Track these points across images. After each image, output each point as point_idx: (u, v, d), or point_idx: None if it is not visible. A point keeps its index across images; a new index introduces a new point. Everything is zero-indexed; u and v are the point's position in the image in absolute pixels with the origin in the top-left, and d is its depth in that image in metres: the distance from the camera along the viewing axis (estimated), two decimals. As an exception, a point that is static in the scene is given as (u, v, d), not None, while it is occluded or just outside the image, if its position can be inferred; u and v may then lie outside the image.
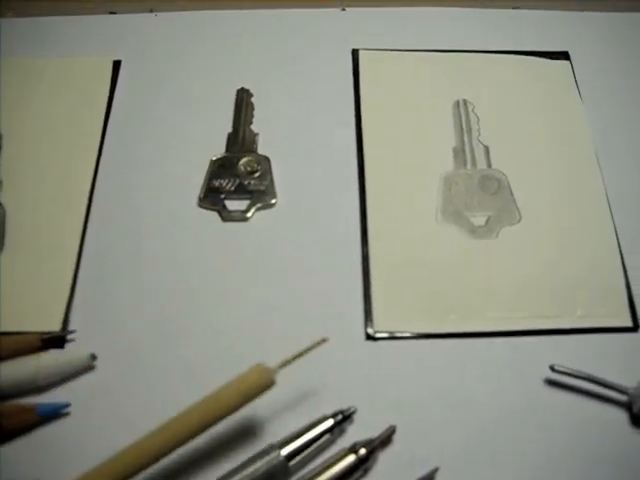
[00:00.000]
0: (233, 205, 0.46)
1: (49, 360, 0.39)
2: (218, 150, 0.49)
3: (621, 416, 0.39)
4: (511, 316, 0.42)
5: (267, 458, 0.36)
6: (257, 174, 0.48)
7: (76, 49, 0.54)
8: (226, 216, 0.46)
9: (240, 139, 0.49)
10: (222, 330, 0.42)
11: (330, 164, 0.48)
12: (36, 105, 0.51)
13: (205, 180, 0.47)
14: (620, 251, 0.45)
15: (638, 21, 0.57)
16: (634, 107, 0.52)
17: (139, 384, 0.40)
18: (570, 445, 0.38)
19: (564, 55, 0.54)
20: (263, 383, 0.36)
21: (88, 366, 0.40)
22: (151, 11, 0.57)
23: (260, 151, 0.49)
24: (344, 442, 0.37)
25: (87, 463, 0.36)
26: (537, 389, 0.40)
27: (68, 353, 0.40)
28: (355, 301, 0.43)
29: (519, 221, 0.46)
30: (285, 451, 0.36)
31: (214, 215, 0.46)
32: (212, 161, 0.48)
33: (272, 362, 0.38)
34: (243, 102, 0.51)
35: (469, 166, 0.48)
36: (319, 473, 0.36)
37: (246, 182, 0.47)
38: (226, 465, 0.36)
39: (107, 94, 0.51)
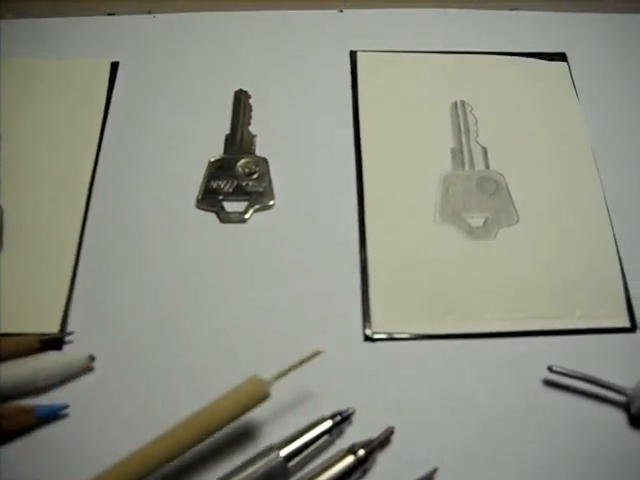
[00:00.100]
0: (231, 206, 0.46)
1: (48, 361, 0.39)
2: (216, 151, 0.49)
3: (619, 416, 0.39)
4: (509, 317, 0.42)
5: (266, 459, 0.36)
6: (255, 175, 0.48)
7: (75, 50, 0.54)
8: (224, 217, 0.46)
9: (238, 140, 0.49)
10: (221, 331, 0.42)
11: (328, 165, 0.48)
12: (35, 106, 0.51)
13: (203, 181, 0.47)
14: (618, 252, 0.45)
15: (635, 22, 0.57)
16: (631, 108, 0.52)
17: (138, 385, 0.40)
18: (569, 445, 0.38)
19: (561, 56, 0.54)
20: (258, 396, 0.37)
21: (87, 367, 0.40)
22: (149, 12, 0.57)
23: (258, 152, 0.49)
24: (343, 443, 0.38)
25: (86, 464, 0.36)
26: (535, 390, 0.40)
27: (67, 354, 0.40)
28: (353, 302, 0.43)
29: (517, 222, 0.46)
30: (284, 452, 0.36)
31: (212, 216, 0.46)
32: (210, 162, 0.48)
33: (270, 364, 0.38)
34: (241, 103, 0.51)
35: (467, 167, 0.48)
36: (318, 474, 0.36)
37: (244, 183, 0.47)
38: (225, 466, 0.36)
39: (105, 95, 0.51)
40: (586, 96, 0.52)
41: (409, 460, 0.38)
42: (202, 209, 0.46)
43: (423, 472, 0.37)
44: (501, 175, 0.48)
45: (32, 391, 0.39)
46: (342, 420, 0.38)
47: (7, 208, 0.46)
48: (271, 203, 0.47)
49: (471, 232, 0.45)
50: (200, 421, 0.36)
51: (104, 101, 0.51)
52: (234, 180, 0.47)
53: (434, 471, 0.37)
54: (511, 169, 0.48)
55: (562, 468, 0.38)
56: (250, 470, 0.35)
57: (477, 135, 0.49)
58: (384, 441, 0.38)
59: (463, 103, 0.51)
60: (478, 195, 0.47)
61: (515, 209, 0.46)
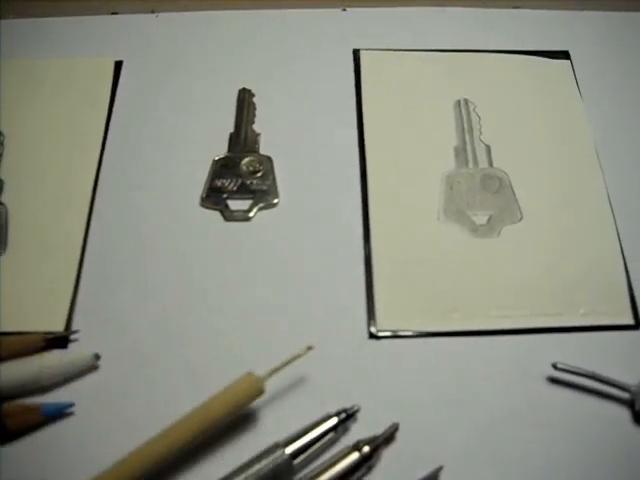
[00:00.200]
0: (235, 205, 0.47)
1: (53, 360, 0.39)
2: (220, 150, 0.49)
3: (623, 414, 0.39)
4: (513, 314, 0.42)
5: (272, 456, 0.36)
6: (259, 174, 0.48)
7: (78, 50, 0.54)
8: (228, 216, 0.46)
9: (242, 139, 0.49)
10: (225, 330, 0.42)
11: (332, 164, 0.48)
12: (38, 105, 0.51)
13: (207, 180, 0.47)
14: (621, 249, 0.45)
15: (637, 20, 0.57)
16: (634, 105, 0.52)
17: (143, 384, 0.40)
18: (572, 442, 0.38)
19: (564, 54, 0.54)
20: (252, 392, 0.37)
21: (92, 366, 0.40)
22: (152, 12, 0.57)
23: (262, 151, 0.49)
24: (348, 440, 0.38)
25: (91, 462, 0.36)
26: (539, 387, 0.40)
27: (72, 353, 0.40)
28: (358, 300, 0.43)
29: (521, 220, 0.46)
30: (290, 449, 0.36)
31: (216, 215, 0.46)
32: (214, 161, 0.48)
33: (275, 362, 0.38)
34: (245, 102, 0.51)
35: (471, 165, 0.48)
36: (323, 471, 0.36)
37: (248, 182, 0.47)
38: (231, 464, 0.36)
39: (109, 94, 0.51)
40: (589, 94, 0.52)
41: (413, 457, 0.38)
42: (206, 207, 0.46)
43: (427, 469, 0.37)
44: (505, 173, 0.48)
45: (37, 389, 0.39)
46: (347, 417, 0.38)
47: (11, 207, 0.46)
48: (275, 201, 0.47)
49: (475, 230, 0.45)
50: (195, 419, 0.36)
51: (108, 100, 0.51)
52: (238, 178, 0.47)
53: (439, 469, 0.37)
54: (514, 167, 0.48)
55: (566, 465, 0.38)
56: (256, 467, 0.35)
57: (480, 133, 0.49)
58: (389, 437, 0.38)
59: (466, 101, 0.51)
60: (482, 193, 0.47)
61: (519, 207, 0.46)
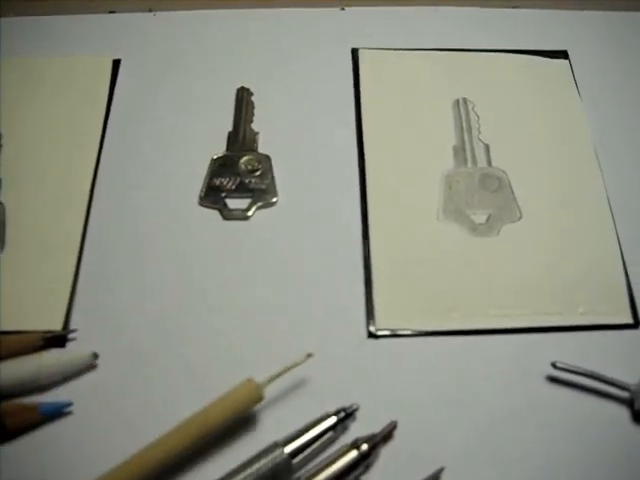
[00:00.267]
0: (234, 204, 0.46)
1: (51, 359, 0.39)
2: (219, 149, 0.49)
3: (623, 413, 0.39)
4: (513, 313, 0.42)
5: (271, 456, 0.36)
6: (258, 173, 0.48)
7: (75, 48, 0.54)
8: (227, 215, 0.46)
9: (241, 138, 0.49)
10: (223, 329, 0.42)
11: (331, 163, 0.48)
12: (36, 104, 0.51)
13: (206, 179, 0.47)
14: (620, 248, 0.45)
15: (636, 20, 0.57)
16: (633, 105, 0.52)
17: (141, 383, 0.40)
18: (572, 442, 0.38)
19: (563, 54, 0.54)
20: (252, 399, 0.37)
21: (90, 365, 0.40)
22: (150, 10, 0.57)
23: (261, 150, 0.49)
24: (347, 439, 0.37)
25: (90, 461, 0.37)
26: (539, 386, 0.40)
27: (70, 352, 0.40)
28: (357, 299, 0.43)
29: (520, 219, 0.46)
30: (289, 449, 0.36)
31: (215, 214, 0.46)
32: (213, 160, 0.48)
33: (274, 362, 0.38)
34: (243, 101, 0.51)
35: (469, 164, 0.48)
36: (321, 469, 0.36)
37: (247, 181, 0.47)
38: (229, 463, 0.36)
39: (107, 93, 0.51)
40: (588, 93, 0.52)
41: (412, 457, 0.38)
42: (205, 206, 0.46)
43: (426, 468, 0.37)
44: (503, 172, 0.48)
45: (35, 388, 0.39)
46: (346, 416, 0.38)
47: (9, 205, 0.46)
48: (274, 200, 0.47)
49: (474, 229, 0.45)
50: (194, 425, 0.36)
51: (106, 98, 0.51)
52: (237, 177, 0.47)
53: (441, 470, 0.37)
54: (513, 166, 0.48)
55: (565, 464, 0.38)
56: (255, 467, 0.35)
57: (479, 132, 0.49)
58: (387, 435, 0.38)
59: (465, 100, 0.51)
60: (481, 192, 0.47)
61: (518, 206, 0.46)
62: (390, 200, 0.46)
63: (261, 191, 0.47)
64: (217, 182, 0.47)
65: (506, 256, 0.44)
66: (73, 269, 0.43)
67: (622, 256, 0.45)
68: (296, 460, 0.36)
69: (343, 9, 0.57)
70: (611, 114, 0.51)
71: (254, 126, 0.50)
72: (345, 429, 0.38)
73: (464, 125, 0.50)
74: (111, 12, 0.56)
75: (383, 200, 0.46)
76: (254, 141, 0.49)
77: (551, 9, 0.57)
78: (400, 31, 0.55)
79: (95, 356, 0.40)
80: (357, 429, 0.38)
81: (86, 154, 0.48)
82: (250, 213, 0.46)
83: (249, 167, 0.48)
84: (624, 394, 0.39)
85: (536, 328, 0.42)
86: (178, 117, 0.50)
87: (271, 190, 0.47)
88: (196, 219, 0.46)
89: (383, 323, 0.42)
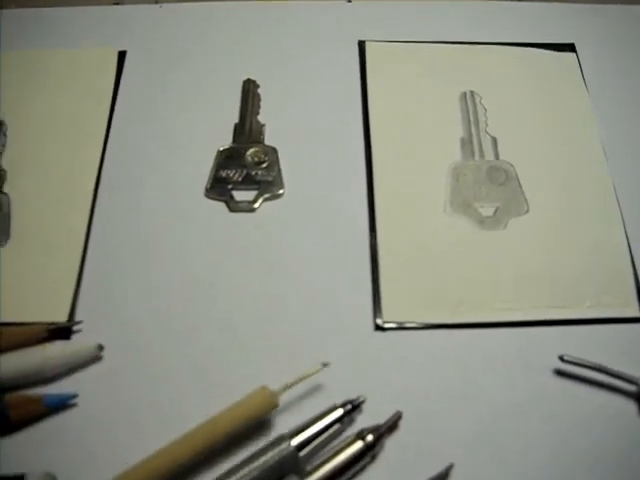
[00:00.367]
0: (240, 196, 0.46)
1: (56, 351, 0.39)
2: (225, 141, 0.49)
3: (630, 406, 0.39)
4: (519, 307, 0.42)
5: (278, 449, 0.35)
6: (264, 165, 0.47)
7: (80, 40, 0.54)
8: (233, 206, 0.46)
9: (247, 130, 0.49)
10: (229, 321, 0.42)
11: (338, 155, 0.48)
12: (41, 96, 0.50)
13: (212, 171, 0.47)
14: (628, 242, 0.45)
15: (643, 13, 0.57)
16: (640, 98, 0.52)
17: (146, 375, 0.40)
18: (579, 435, 0.38)
19: (570, 47, 0.54)
20: (266, 407, 0.37)
21: (95, 357, 0.40)
22: (156, 2, 0.56)
23: (267, 142, 0.49)
24: (353, 432, 0.37)
25: (94, 454, 0.37)
26: (546, 379, 0.40)
27: (75, 344, 0.40)
28: (364, 292, 0.43)
29: (527, 212, 0.46)
30: (295, 441, 0.36)
31: (221, 206, 0.46)
32: (219, 152, 0.48)
33: (281, 354, 0.39)
34: (249, 93, 0.51)
35: (477, 157, 0.48)
36: (327, 460, 0.36)
37: (253, 173, 0.47)
38: (237, 456, 0.36)
39: (112, 85, 0.51)
40: (595, 86, 0.52)
41: (418, 449, 0.38)
42: (211, 198, 0.46)
43: (432, 460, 0.37)
44: (511, 165, 0.47)
45: (40, 380, 0.39)
46: (353, 409, 0.38)
47: (14, 197, 0.46)
48: (280, 192, 0.46)
49: (481, 222, 0.45)
50: (208, 432, 0.36)
51: (111, 90, 0.51)
52: (243, 169, 0.47)
53: (450, 467, 0.37)
54: (521, 159, 0.48)
55: (572, 457, 0.38)
56: (262, 459, 0.35)
57: (487, 125, 0.49)
58: (392, 426, 0.38)
59: (472, 93, 0.51)
60: (488, 185, 0.47)
61: (525, 199, 0.46)
62: (397, 192, 0.46)
63: (267, 183, 0.47)
64: (223, 174, 0.47)
65: (513, 249, 0.44)
66: (79, 260, 0.43)
67: (630, 250, 0.44)
68: (303, 453, 0.36)
69: (350, 1, 0.57)
70: (618, 107, 0.51)
71: (260, 118, 0.50)
72: (352, 421, 0.38)
73: (471, 118, 0.50)
74: (116, 3, 0.56)
75: (390, 192, 0.46)
76: (260, 133, 0.49)
77: (558, 2, 0.57)
78: (407, 24, 0.55)
79: (100, 348, 0.40)
80: (364, 421, 0.38)
81: (92, 146, 0.48)
82: (256, 205, 0.46)
83: (255, 159, 0.47)
84: (631, 388, 0.39)
85: (543, 321, 0.42)
86: (184, 109, 0.50)
87: (277, 182, 0.47)
88: (202, 211, 0.45)
89: (390, 316, 0.42)
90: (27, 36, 0.54)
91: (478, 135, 0.49)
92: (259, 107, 0.50)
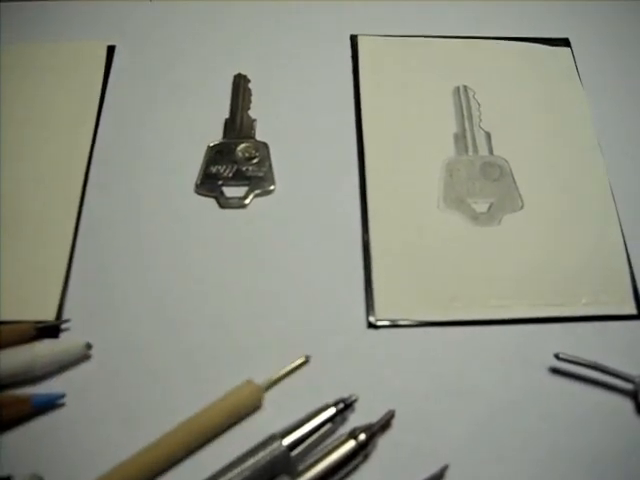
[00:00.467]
0: (231, 192, 0.46)
1: (44, 349, 0.39)
2: (215, 136, 0.48)
3: (626, 404, 0.39)
4: (515, 304, 0.42)
5: (269, 448, 0.35)
6: (255, 160, 0.47)
7: (69, 34, 0.53)
8: (224, 203, 0.45)
9: (238, 125, 0.48)
10: (220, 318, 0.41)
11: (329, 150, 0.48)
12: (30, 89, 0.50)
13: (202, 166, 0.47)
14: (624, 238, 0.45)
15: (638, 8, 0.57)
16: (635, 93, 0.52)
17: (135, 373, 0.39)
18: (574, 433, 0.38)
19: (565, 42, 0.54)
20: (251, 404, 0.37)
21: (84, 355, 0.39)
22: (147, -3, 0.56)
23: (258, 137, 0.48)
24: (346, 431, 0.37)
25: (83, 453, 0.36)
26: (541, 377, 0.40)
27: (63, 342, 0.40)
28: (356, 289, 0.42)
29: (522, 208, 0.45)
30: (287, 441, 0.36)
31: (211, 202, 0.45)
32: (209, 147, 0.47)
33: (272, 351, 0.38)
34: (240, 88, 0.50)
35: (470, 152, 0.48)
36: (319, 460, 0.35)
37: (244, 168, 0.47)
38: (228, 453, 0.36)
39: (101, 79, 0.51)
40: (589, 81, 0.52)
41: (412, 448, 0.37)
42: (201, 194, 0.46)
43: (426, 459, 0.37)
44: (505, 160, 0.47)
45: (29, 379, 0.38)
46: (345, 407, 0.37)
47: (1, 194, 0.45)
48: (271, 188, 0.46)
49: (475, 218, 0.45)
50: (193, 426, 0.36)
51: (100, 84, 0.50)
52: (234, 165, 0.47)
53: (445, 468, 0.36)
54: (515, 154, 0.48)
55: (568, 456, 0.37)
56: (253, 459, 0.35)
57: (480, 120, 0.49)
58: (385, 425, 0.37)
59: (466, 88, 0.50)
60: (482, 181, 0.46)
61: (520, 195, 0.46)
62: (390, 188, 0.46)
63: (258, 179, 0.46)
64: (214, 170, 0.46)
65: (508, 246, 0.44)
66: (66, 258, 0.43)
67: (625, 246, 0.44)
68: (295, 452, 0.35)
69: (343, -5, 0.56)
70: (613, 102, 0.51)
71: (252, 113, 0.49)
72: (344, 420, 0.38)
73: (465, 113, 0.49)
74: (106, -3, 0.56)
75: (383, 188, 0.46)
76: (251, 128, 0.48)
77: (553, -4, 0.57)
78: (400, 18, 0.55)
79: (89, 346, 0.39)
80: (356, 420, 0.37)
81: (80, 141, 0.48)
82: (247, 201, 0.45)
83: (246, 154, 0.47)
84: (628, 386, 0.39)
85: (538, 319, 0.41)
86: (174, 104, 0.50)
87: (268, 178, 0.46)
88: (192, 207, 0.45)
89: (383, 313, 0.41)
90: (16, 29, 0.54)
91: (472, 130, 0.48)
92: (250, 102, 0.50)
